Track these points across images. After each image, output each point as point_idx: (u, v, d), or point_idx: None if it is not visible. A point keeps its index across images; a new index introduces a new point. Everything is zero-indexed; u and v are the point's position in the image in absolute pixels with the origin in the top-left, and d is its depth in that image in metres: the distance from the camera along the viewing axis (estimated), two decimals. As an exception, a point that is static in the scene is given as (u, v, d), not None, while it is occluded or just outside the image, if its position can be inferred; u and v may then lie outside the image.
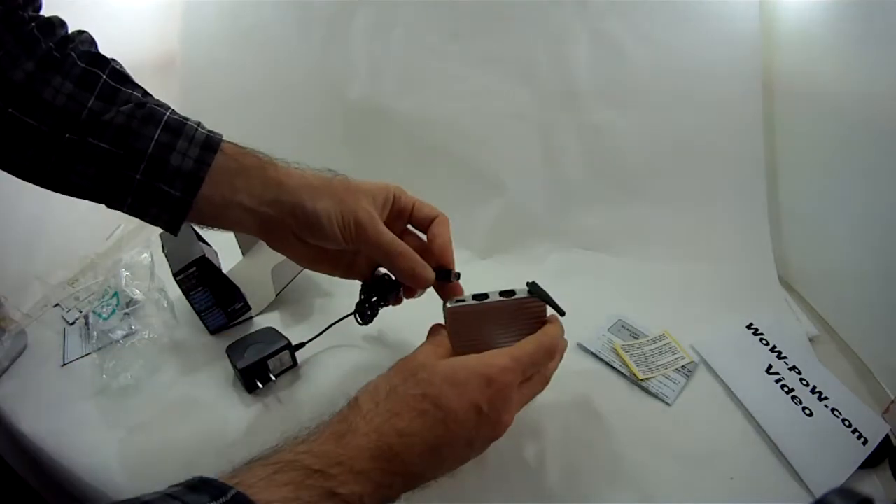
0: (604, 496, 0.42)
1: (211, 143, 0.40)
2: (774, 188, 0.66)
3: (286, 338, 0.52)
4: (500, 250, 0.69)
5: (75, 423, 0.48)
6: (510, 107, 0.70)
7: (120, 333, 0.56)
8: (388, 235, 0.43)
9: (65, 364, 0.54)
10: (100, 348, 0.55)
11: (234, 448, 0.45)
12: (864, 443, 0.45)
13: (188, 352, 0.55)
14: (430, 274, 0.43)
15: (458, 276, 0.46)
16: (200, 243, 0.57)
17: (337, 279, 0.49)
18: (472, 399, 0.35)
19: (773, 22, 0.65)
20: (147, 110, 0.39)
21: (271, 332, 0.53)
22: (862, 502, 0.23)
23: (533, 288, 0.43)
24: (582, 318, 0.58)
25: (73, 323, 0.58)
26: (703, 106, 0.67)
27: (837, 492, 0.24)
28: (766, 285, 0.63)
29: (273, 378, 0.50)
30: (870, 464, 0.44)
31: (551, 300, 0.44)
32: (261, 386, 0.50)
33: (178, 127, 0.40)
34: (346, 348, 0.55)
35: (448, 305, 0.41)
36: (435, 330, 0.43)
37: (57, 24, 0.41)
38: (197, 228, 0.58)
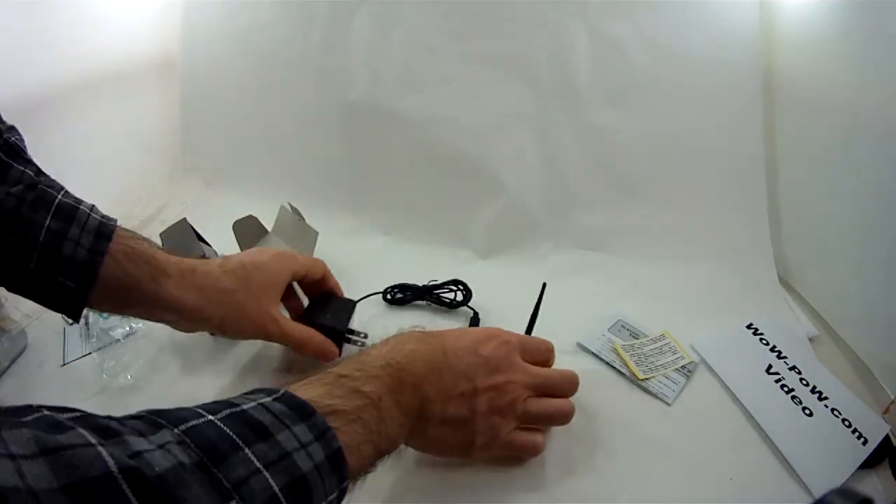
0: (604, 496, 0.42)
1: (104, 230, 0.40)
2: (774, 188, 0.66)
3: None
4: (500, 250, 0.69)
5: (75, 423, 0.48)
6: (510, 107, 0.70)
7: (120, 333, 0.56)
8: (294, 330, 0.47)
9: (65, 364, 0.54)
10: (100, 348, 0.55)
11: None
12: (864, 443, 0.45)
13: (188, 351, 0.55)
14: (334, 349, 0.49)
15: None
16: (201, 243, 0.57)
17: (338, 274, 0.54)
18: (472, 343, 0.40)
19: (773, 22, 0.65)
20: (38, 192, 0.38)
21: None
22: (862, 502, 0.23)
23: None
24: (582, 318, 0.58)
25: (72, 323, 0.58)
26: (703, 106, 0.67)
27: (837, 492, 0.24)
28: (766, 285, 0.63)
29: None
30: (870, 464, 0.44)
31: (535, 310, 0.50)
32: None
33: (70, 212, 0.39)
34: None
35: None
36: None
37: None
38: (196, 228, 0.58)
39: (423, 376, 0.37)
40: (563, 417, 0.43)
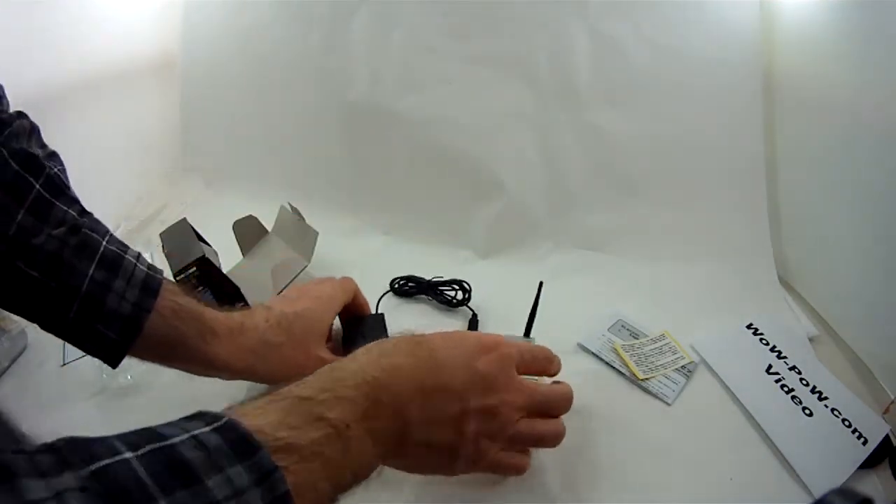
0: (603, 496, 0.42)
1: (151, 283, 0.38)
2: (774, 188, 0.66)
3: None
4: (500, 250, 0.69)
5: (75, 423, 0.48)
6: (510, 107, 0.70)
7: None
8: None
9: (65, 364, 0.54)
10: (100, 348, 0.55)
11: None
12: (864, 443, 0.45)
13: (188, 352, 0.55)
14: None
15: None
16: (201, 243, 0.57)
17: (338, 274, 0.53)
18: (467, 356, 0.36)
19: (773, 22, 0.65)
20: (81, 237, 0.36)
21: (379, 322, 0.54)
22: (862, 502, 0.23)
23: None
24: (582, 318, 0.58)
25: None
26: (703, 106, 0.67)
27: (837, 492, 0.24)
28: (766, 285, 0.63)
29: None
30: (870, 464, 0.44)
31: (533, 310, 0.50)
32: None
33: (116, 261, 0.37)
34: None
35: None
36: None
37: None
38: (196, 228, 0.58)
39: (407, 397, 0.33)
40: (554, 440, 0.40)
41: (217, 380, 0.52)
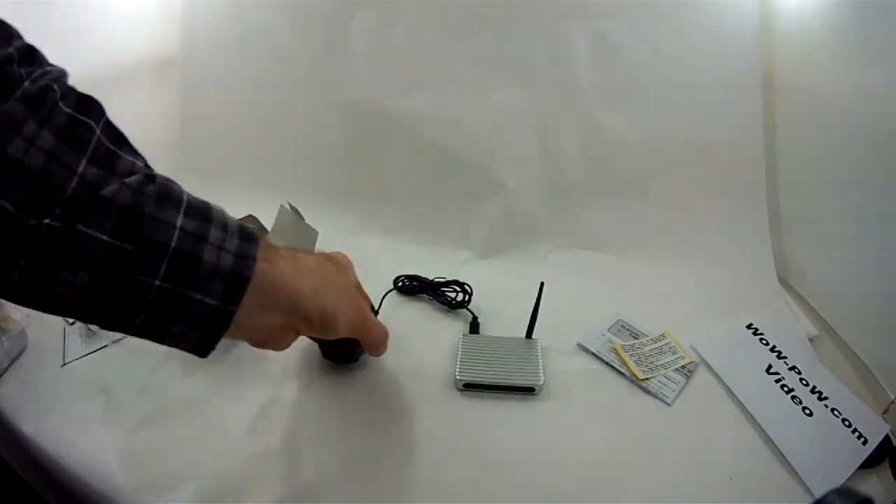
0: (604, 496, 0.42)
1: (246, 231, 0.32)
2: (774, 188, 0.66)
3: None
4: (500, 250, 0.69)
5: (75, 423, 0.48)
6: (510, 107, 0.70)
7: (120, 333, 0.56)
8: (379, 325, 0.45)
9: (65, 364, 0.54)
10: (100, 348, 0.55)
11: (235, 447, 0.45)
12: (864, 443, 0.45)
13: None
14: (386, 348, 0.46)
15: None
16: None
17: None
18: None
19: (773, 21, 0.65)
20: (160, 185, 0.29)
21: None
22: (862, 502, 0.23)
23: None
24: (582, 318, 0.58)
25: (73, 323, 0.58)
26: (703, 105, 0.67)
27: (837, 492, 0.24)
28: (766, 285, 0.63)
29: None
30: (870, 464, 0.44)
31: (535, 310, 0.52)
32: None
33: (205, 210, 0.31)
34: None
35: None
36: None
37: (29, 48, 0.31)
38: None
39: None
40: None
41: (215, 382, 0.52)
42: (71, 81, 0.32)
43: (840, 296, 0.58)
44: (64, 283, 0.26)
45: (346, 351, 0.51)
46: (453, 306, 0.60)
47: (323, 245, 0.64)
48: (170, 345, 0.31)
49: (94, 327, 0.56)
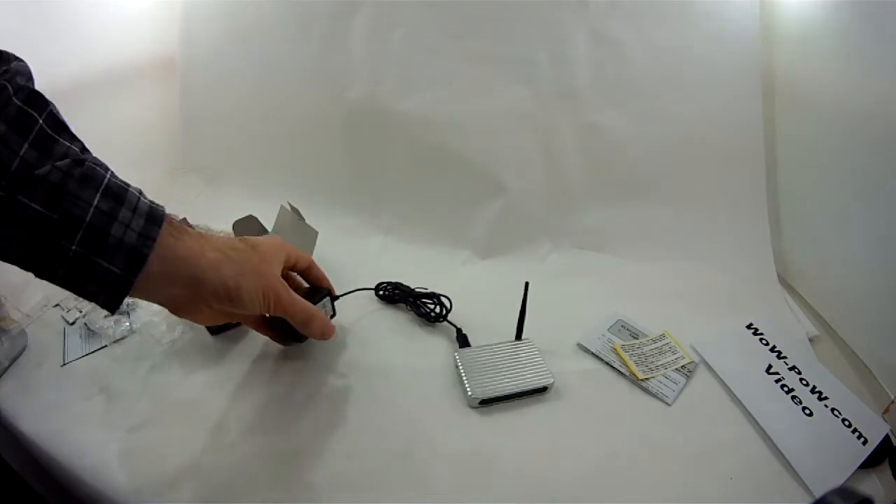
0: (604, 496, 0.42)
1: (155, 215, 0.38)
2: (774, 188, 0.66)
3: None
4: (500, 250, 0.69)
5: (75, 423, 0.48)
6: (510, 107, 0.70)
7: (120, 333, 0.56)
8: (302, 303, 0.47)
9: (65, 364, 0.54)
10: (100, 348, 0.55)
11: (235, 447, 0.45)
12: (864, 443, 0.45)
13: (188, 352, 0.55)
14: (333, 329, 0.50)
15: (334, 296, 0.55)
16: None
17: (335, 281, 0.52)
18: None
19: (773, 22, 0.65)
20: (86, 169, 0.36)
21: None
22: (862, 502, 0.23)
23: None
24: (582, 318, 0.58)
25: (73, 323, 0.58)
26: (703, 106, 0.67)
27: (837, 492, 0.24)
28: (766, 285, 0.63)
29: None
30: (870, 464, 0.44)
31: (522, 311, 0.52)
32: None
33: (120, 193, 0.37)
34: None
35: None
36: None
37: None
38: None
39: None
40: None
41: (215, 382, 0.52)
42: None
43: (840, 296, 0.58)
44: (5, 238, 0.34)
45: (287, 329, 0.50)
46: (430, 319, 0.57)
47: (323, 245, 0.64)
48: (86, 299, 0.37)
49: (93, 327, 0.56)
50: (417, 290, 0.59)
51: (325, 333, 0.49)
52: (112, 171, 0.38)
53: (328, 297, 0.54)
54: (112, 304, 0.37)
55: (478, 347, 0.53)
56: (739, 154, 0.67)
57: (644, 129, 0.68)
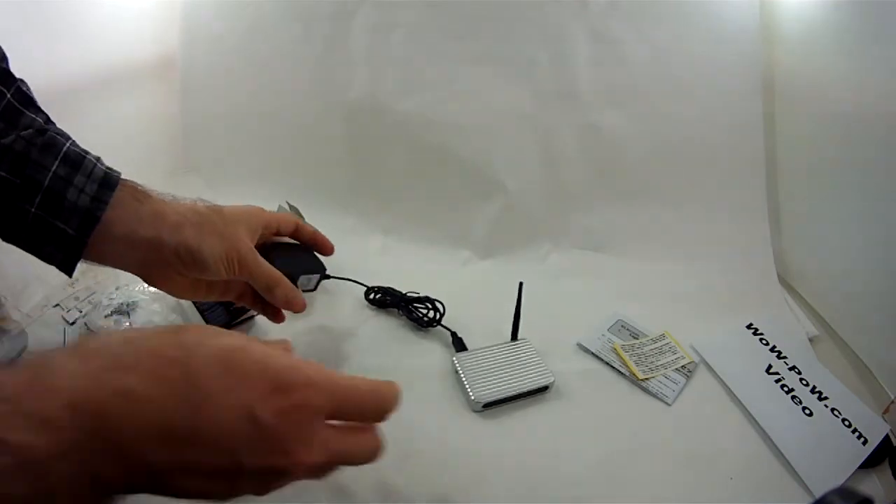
0: (604, 496, 0.42)
1: (109, 180, 0.39)
2: (774, 188, 0.66)
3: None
4: (500, 250, 0.69)
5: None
6: (510, 107, 0.70)
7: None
8: (266, 267, 0.45)
9: (65, 364, 0.54)
10: (100, 348, 0.55)
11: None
12: (864, 443, 0.45)
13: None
14: (302, 300, 0.47)
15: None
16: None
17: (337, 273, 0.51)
18: (246, 399, 0.25)
19: (773, 22, 0.65)
20: (47, 138, 0.38)
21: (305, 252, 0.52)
22: (862, 502, 0.23)
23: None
24: (582, 318, 0.58)
25: (73, 323, 0.58)
26: (703, 105, 0.67)
27: (837, 492, 0.24)
28: (766, 285, 0.63)
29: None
30: (870, 464, 0.44)
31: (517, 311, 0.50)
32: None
33: (78, 160, 0.39)
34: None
35: None
36: None
37: None
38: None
39: (146, 441, 0.23)
40: (367, 461, 0.31)
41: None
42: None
43: (840, 296, 0.58)
44: None
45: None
46: (423, 324, 0.56)
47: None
48: (45, 261, 0.39)
49: (93, 327, 0.56)
50: (409, 294, 0.58)
51: (290, 303, 0.46)
52: (73, 141, 0.40)
53: (318, 275, 0.52)
54: (68, 266, 0.39)
55: (476, 350, 0.52)
56: (739, 154, 0.67)
57: (644, 129, 0.68)
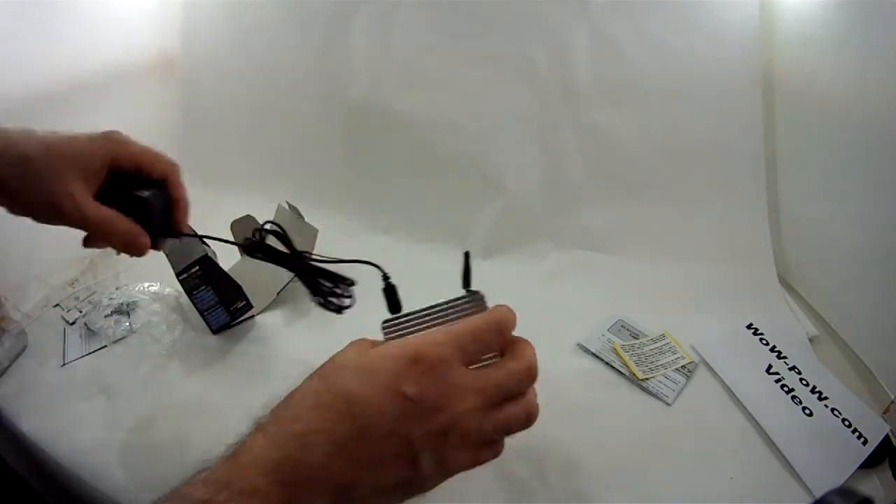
0: (604, 496, 0.42)
1: None
2: (774, 188, 0.66)
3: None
4: (500, 250, 0.69)
5: (75, 423, 0.48)
6: (510, 106, 0.70)
7: (120, 333, 0.56)
8: (91, 210, 0.39)
9: (65, 364, 0.54)
10: (100, 348, 0.55)
11: (235, 448, 0.45)
12: (864, 443, 0.45)
13: (190, 351, 0.55)
14: (145, 240, 0.41)
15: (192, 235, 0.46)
16: (201, 243, 0.57)
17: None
18: (387, 382, 0.28)
19: (773, 22, 0.65)
20: None
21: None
22: (862, 502, 0.23)
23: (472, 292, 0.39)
24: (582, 318, 0.58)
25: (73, 323, 0.58)
26: (703, 105, 0.67)
27: (837, 492, 0.24)
28: (766, 285, 0.63)
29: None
30: (870, 464, 0.44)
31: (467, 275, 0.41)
32: None
33: None
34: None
35: (384, 323, 0.35)
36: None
37: None
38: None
39: (328, 466, 0.27)
40: (526, 423, 0.32)
41: (216, 381, 0.52)
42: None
43: (840, 296, 0.58)
44: None
45: (147, 222, 0.42)
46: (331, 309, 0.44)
47: (322, 245, 0.64)
48: None
49: (93, 327, 0.56)
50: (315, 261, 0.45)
51: (129, 246, 0.41)
52: None
53: (197, 239, 0.48)
54: None
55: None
56: (739, 154, 0.67)
57: (644, 128, 0.68)
